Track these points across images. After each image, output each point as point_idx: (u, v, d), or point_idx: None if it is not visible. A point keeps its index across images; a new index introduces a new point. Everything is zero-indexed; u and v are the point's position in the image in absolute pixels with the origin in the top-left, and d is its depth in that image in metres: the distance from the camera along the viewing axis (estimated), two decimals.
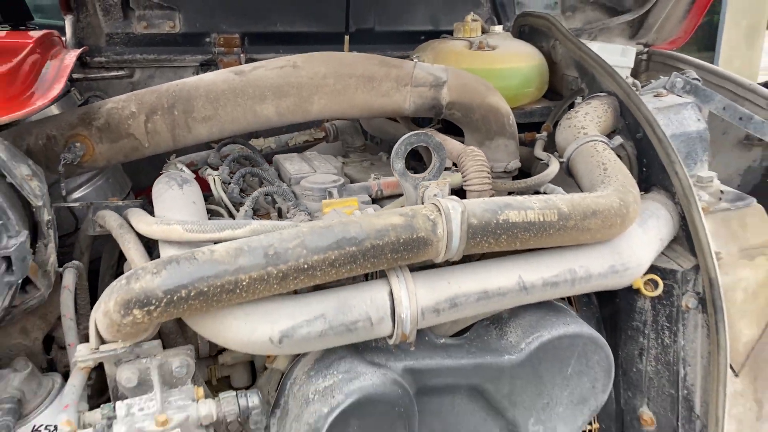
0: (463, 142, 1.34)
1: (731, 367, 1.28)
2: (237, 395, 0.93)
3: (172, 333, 1.08)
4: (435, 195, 1.00)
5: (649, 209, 1.20)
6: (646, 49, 2.10)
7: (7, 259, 0.89)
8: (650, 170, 1.30)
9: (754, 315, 1.25)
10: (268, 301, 0.91)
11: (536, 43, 1.68)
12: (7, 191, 0.99)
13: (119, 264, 1.34)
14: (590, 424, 1.40)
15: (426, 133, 1.04)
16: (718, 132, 1.84)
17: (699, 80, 1.70)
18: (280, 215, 1.22)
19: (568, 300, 1.32)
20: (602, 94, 1.40)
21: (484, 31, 1.68)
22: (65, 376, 1.05)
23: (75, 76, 1.71)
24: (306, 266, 0.87)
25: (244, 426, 1.00)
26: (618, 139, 1.28)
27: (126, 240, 1.06)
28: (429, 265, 1.02)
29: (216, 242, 0.92)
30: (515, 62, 1.51)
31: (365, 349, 1.02)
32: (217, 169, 1.37)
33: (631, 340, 1.32)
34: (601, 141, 1.24)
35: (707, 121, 1.79)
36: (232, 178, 1.32)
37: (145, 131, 1.26)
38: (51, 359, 1.18)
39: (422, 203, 1.02)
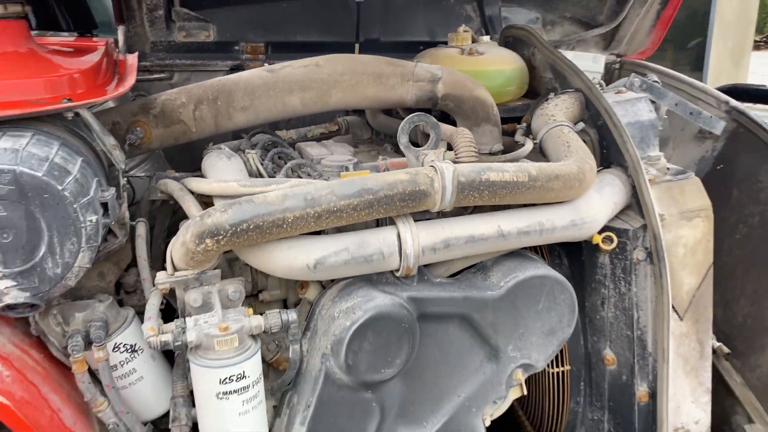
0: None
1: (676, 312, 1.56)
2: (280, 312, 1.20)
3: (225, 273, 1.35)
4: (432, 161, 1.28)
5: (605, 180, 1.49)
6: (619, 59, 2.39)
7: (104, 205, 1.16)
8: (609, 151, 1.58)
9: (693, 267, 1.53)
10: (306, 237, 1.18)
11: (518, 50, 1.97)
12: (96, 158, 1.26)
13: (170, 228, 1.61)
14: (562, 365, 1.67)
15: (425, 114, 1.33)
16: (678, 128, 2.13)
17: (658, 82, 1.99)
18: None
19: (542, 256, 1.59)
20: (570, 90, 1.68)
21: (474, 41, 1.96)
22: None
23: None
24: (335, 209, 1.15)
25: (282, 340, 1.26)
26: (581, 125, 1.57)
27: (186, 200, 1.33)
28: (427, 217, 1.30)
29: None
30: (499, 65, 1.80)
31: (378, 282, 1.29)
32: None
33: (594, 292, 1.60)
34: (567, 126, 1.52)
35: (668, 119, 2.09)
36: (263, 160, 1.60)
37: (193, 118, 1.54)
38: (120, 300, 1.44)
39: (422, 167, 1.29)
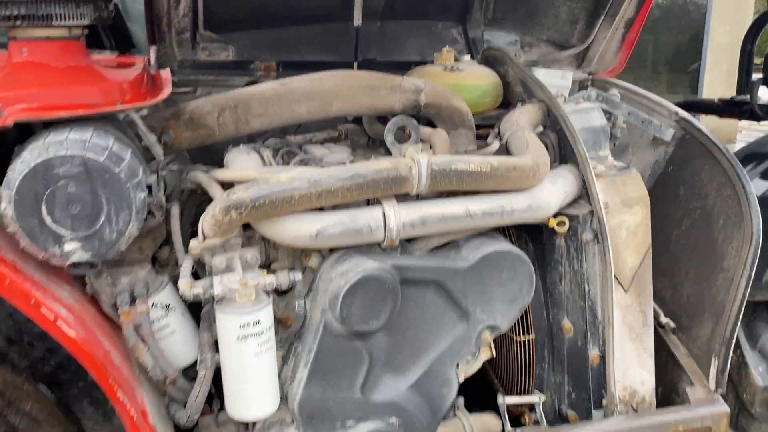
0: None
1: (621, 286, 1.84)
2: (288, 272, 1.49)
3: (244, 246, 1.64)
4: (412, 153, 1.58)
5: (559, 173, 1.78)
6: (590, 76, 2.70)
7: (149, 187, 1.46)
8: (565, 151, 1.87)
9: (635, 247, 1.82)
10: (309, 212, 1.48)
11: (495, 68, 2.27)
12: (140, 151, 1.56)
13: (195, 216, 1.90)
14: (527, 334, 1.95)
15: (408, 117, 1.63)
16: (637, 136, 2.43)
17: (617, 96, 2.30)
18: None
19: (510, 240, 1.88)
20: (534, 100, 1.99)
21: (456, 59, 2.27)
22: None
23: None
24: (332, 189, 1.44)
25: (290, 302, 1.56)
26: (540, 128, 1.87)
27: (213, 186, 1.63)
28: (407, 200, 1.60)
29: None
30: (476, 80, 2.10)
31: (367, 252, 1.58)
32: None
33: (553, 270, 1.88)
34: (528, 129, 1.82)
35: (628, 129, 2.39)
36: (275, 157, 1.90)
37: (217, 123, 1.84)
38: (155, 271, 1.73)
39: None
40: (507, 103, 2.24)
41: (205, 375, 1.52)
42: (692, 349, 2.03)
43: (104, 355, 1.41)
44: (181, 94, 2.33)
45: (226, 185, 1.64)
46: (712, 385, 1.94)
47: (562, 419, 1.94)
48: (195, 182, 1.71)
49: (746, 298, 1.88)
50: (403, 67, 2.35)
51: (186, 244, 1.58)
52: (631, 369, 1.88)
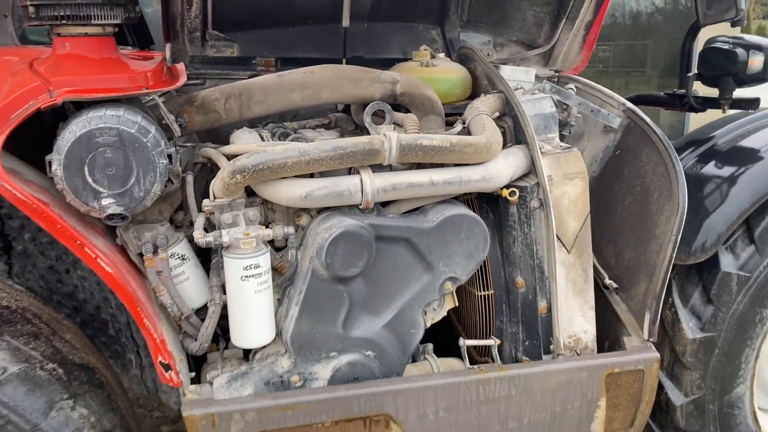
0: None
1: (565, 247, 2.17)
2: (282, 226, 1.83)
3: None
4: (384, 131, 1.91)
5: (512, 151, 2.12)
6: (556, 74, 3.04)
7: (169, 156, 1.79)
8: (519, 134, 2.21)
9: (576, 214, 2.15)
10: (300, 178, 1.81)
11: (467, 64, 2.60)
12: (161, 127, 1.89)
13: (204, 188, 2.23)
14: (487, 289, 2.28)
15: (383, 103, 1.96)
16: (592, 125, 2.76)
17: (573, 89, 2.63)
18: None
19: (472, 209, 2.21)
20: (495, 91, 2.32)
21: (432, 56, 2.60)
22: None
23: None
24: (318, 158, 1.78)
25: (284, 255, 1.89)
26: (496, 114, 2.20)
27: (220, 159, 1.96)
28: (381, 170, 1.93)
29: None
30: (446, 74, 2.43)
31: (348, 213, 1.92)
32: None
33: (508, 234, 2.21)
34: (486, 114, 2.15)
35: (584, 119, 2.73)
36: (273, 138, 2.23)
37: (224, 109, 2.16)
38: None
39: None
40: (476, 94, 2.58)
41: (214, 310, 1.86)
42: (630, 306, 2.36)
43: (133, 289, 1.75)
44: (192, 86, 2.67)
45: (232, 159, 1.98)
46: (645, 335, 2.27)
47: None
48: (205, 156, 2.05)
49: (673, 260, 2.20)
50: (387, 64, 2.67)
51: (198, 206, 1.91)
52: (575, 320, 2.21)
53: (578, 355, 2.22)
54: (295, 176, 1.83)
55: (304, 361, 1.91)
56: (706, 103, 2.83)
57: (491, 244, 2.14)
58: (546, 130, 2.27)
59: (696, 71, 2.75)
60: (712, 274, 2.35)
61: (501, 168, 2.03)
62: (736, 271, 2.34)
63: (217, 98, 2.15)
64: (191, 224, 1.98)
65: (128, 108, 1.75)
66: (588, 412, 2.18)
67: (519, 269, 2.21)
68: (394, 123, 2.04)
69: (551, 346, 2.21)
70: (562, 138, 2.34)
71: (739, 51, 2.51)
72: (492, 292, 2.26)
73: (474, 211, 2.16)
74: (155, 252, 1.85)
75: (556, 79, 3.02)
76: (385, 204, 2.00)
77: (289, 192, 1.81)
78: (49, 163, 1.67)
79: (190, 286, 1.94)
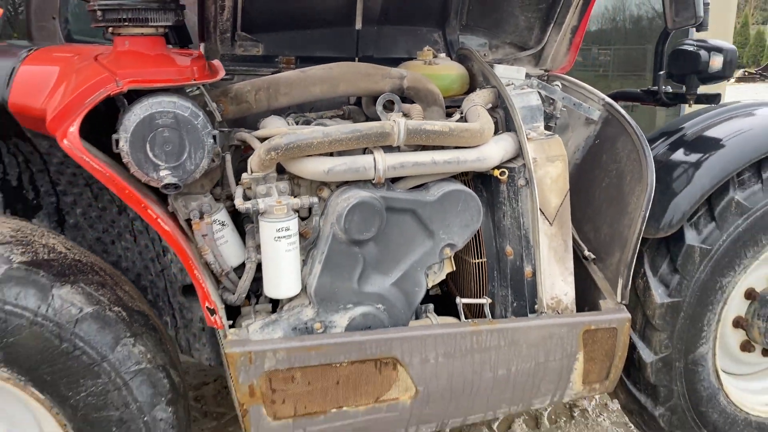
0: None
1: (548, 220, 2.52)
2: (309, 197, 2.18)
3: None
4: (394, 118, 2.26)
5: (502, 137, 2.47)
6: (546, 73, 3.39)
7: (214, 137, 2.13)
8: (509, 123, 2.56)
9: (557, 191, 2.50)
10: (323, 156, 2.17)
11: (465, 63, 2.95)
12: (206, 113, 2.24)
13: (238, 167, 2.58)
14: (481, 257, 2.62)
15: (392, 94, 2.31)
16: (576, 118, 3.11)
17: (558, 85, 2.98)
18: None
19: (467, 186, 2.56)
20: (488, 86, 2.67)
21: (434, 56, 2.95)
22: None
23: None
24: (339, 139, 2.13)
25: (308, 223, 2.24)
26: (490, 106, 2.55)
27: (254, 141, 2.30)
28: (391, 151, 2.28)
29: None
30: (446, 71, 2.78)
31: (363, 187, 2.27)
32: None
33: (498, 209, 2.56)
34: (481, 106, 2.50)
35: (568, 113, 3.07)
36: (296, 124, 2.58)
37: (254, 100, 2.50)
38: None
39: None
40: (473, 89, 2.93)
41: (251, 267, 2.21)
42: (606, 274, 2.71)
43: (190, 253, 2.09)
44: (223, 80, 3.02)
45: (263, 141, 2.32)
46: (619, 298, 2.61)
47: None
48: (240, 139, 2.39)
49: (642, 234, 2.55)
50: (394, 63, 3.01)
51: (236, 180, 2.26)
52: (557, 283, 2.56)
53: (559, 313, 2.56)
54: (319, 155, 2.18)
55: (325, 311, 2.26)
56: (675, 99, 3.18)
57: (484, 217, 2.49)
58: (532, 119, 2.62)
59: (666, 70, 3.10)
60: (678, 247, 2.69)
61: (493, 151, 2.38)
62: (699, 244, 2.68)
63: (249, 90, 2.49)
64: (227, 197, 2.33)
65: (180, 95, 2.09)
66: (568, 364, 2.53)
67: (508, 239, 2.55)
68: (401, 112, 2.38)
69: (536, 306, 2.56)
70: (548, 128, 2.69)
71: (702, 53, 2.86)
72: (485, 259, 2.61)
73: (468, 187, 2.50)
74: (201, 217, 2.20)
75: (545, 78, 3.37)
76: (394, 180, 2.35)
77: (314, 167, 2.16)
78: (116, 140, 2.02)
79: (228, 248, 2.29)
